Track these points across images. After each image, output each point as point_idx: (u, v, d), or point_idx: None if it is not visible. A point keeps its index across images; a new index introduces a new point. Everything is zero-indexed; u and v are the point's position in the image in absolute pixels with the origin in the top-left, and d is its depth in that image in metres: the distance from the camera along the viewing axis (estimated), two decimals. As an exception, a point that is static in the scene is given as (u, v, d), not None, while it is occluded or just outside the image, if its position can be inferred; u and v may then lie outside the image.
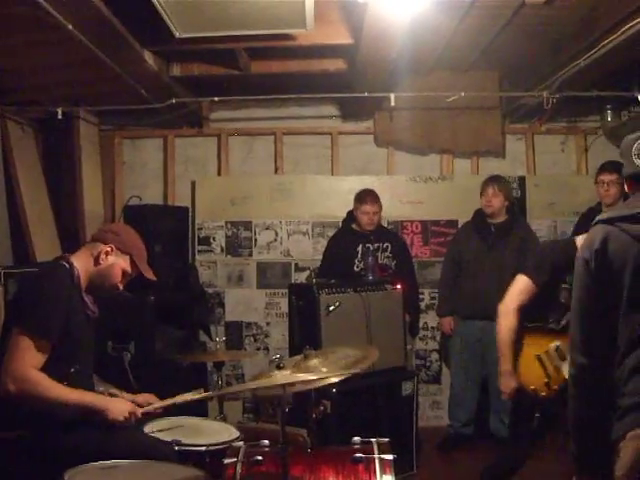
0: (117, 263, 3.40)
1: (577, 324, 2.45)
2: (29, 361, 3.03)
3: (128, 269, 3.43)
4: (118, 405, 3.23)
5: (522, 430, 4.20)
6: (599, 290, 2.37)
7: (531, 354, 3.99)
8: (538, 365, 3.98)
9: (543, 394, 3.93)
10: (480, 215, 6.01)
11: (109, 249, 3.37)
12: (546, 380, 3.94)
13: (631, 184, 2.59)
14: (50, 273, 3.33)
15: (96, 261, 3.36)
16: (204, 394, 3.67)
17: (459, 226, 6.49)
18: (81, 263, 3.36)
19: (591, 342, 2.40)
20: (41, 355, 3.07)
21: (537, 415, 3.98)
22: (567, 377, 3.48)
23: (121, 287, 3.48)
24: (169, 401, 3.47)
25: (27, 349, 3.03)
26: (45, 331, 3.08)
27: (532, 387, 3.95)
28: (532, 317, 4.04)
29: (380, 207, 6.02)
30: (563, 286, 4.03)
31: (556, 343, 4.02)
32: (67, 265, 3.31)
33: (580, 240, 4.09)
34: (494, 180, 5.96)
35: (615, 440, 2.27)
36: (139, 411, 3.28)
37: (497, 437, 5.74)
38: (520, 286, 4.02)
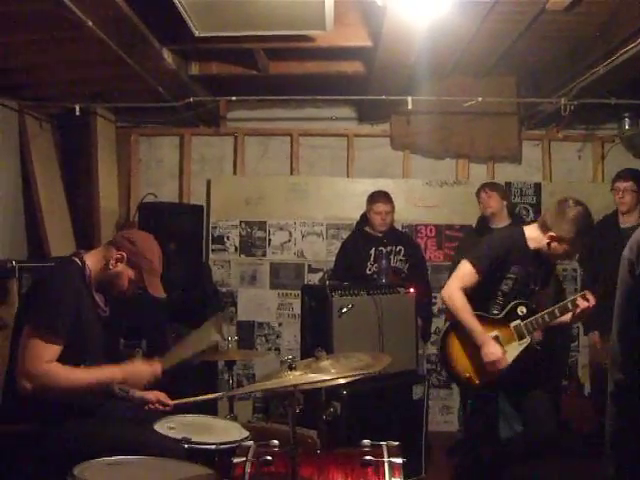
0: (125, 272, 3.38)
1: (617, 335, 2.24)
2: (41, 357, 3.04)
3: (135, 280, 3.42)
4: (137, 372, 3.30)
5: (483, 440, 4.22)
6: None
7: (471, 341, 4.05)
8: (470, 352, 4.07)
9: (477, 382, 3.97)
10: (483, 221, 6.03)
11: (119, 256, 3.36)
12: (480, 367, 4.00)
13: None
14: (61, 271, 3.34)
15: (106, 265, 3.36)
16: (225, 393, 3.70)
17: (473, 231, 6.49)
18: (93, 263, 3.36)
19: (628, 356, 2.19)
20: (53, 352, 3.08)
21: (470, 401, 4.00)
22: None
23: (127, 295, 3.48)
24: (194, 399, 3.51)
25: (38, 347, 3.04)
26: (54, 330, 3.08)
27: (467, 374, 3.97)
28: (474, 307, 4.11)
29: (393, 207, 6.00)
30: (508, 275, 4.07)
31: (494, 333, 4.07)
32: (80, 263, 3.32)
33: (529, 231, 4.14)
34: (485, 185, 6.09)
35: None
36: (158, 369, 3.35)
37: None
38: (463, 271, 4.11)
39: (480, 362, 4.02)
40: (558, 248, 4.05)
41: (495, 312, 4.14)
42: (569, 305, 4.05)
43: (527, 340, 4.09)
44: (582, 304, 4.00)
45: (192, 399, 3.70)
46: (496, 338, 4.06)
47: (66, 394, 3.09)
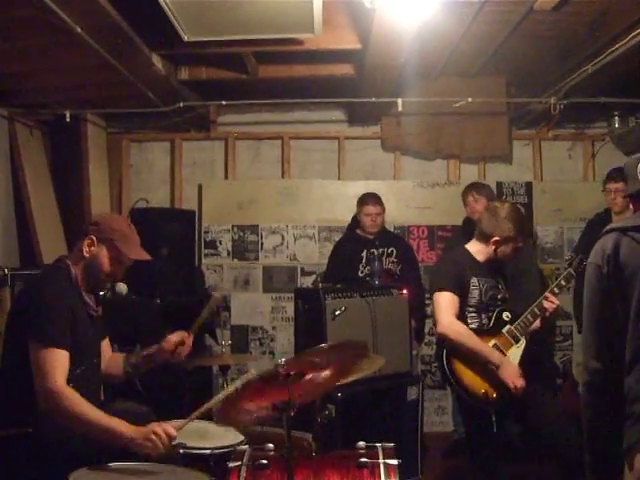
0: (100, 252, 3.33)
1: (589, 329, 2.45)
2: (56, 375, 3.00)
3: (112, 255, 3.35)
4: (149, 438, 2.96)
5: (481, 441, 4.21)
6: (611, 295, 2.36)
7: (473, 359, 4.03)
8: (479, 368, 4.03)
9: (494, 395, 3.96)
10: (470, 222, 5.99)
11: (89, 240, 3.33)
12: (494, 382, 3.99)
13: (635, 202, 2.60)
14: (49, 279, 3.32)
15: (82, 255, 3.33)
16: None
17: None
18: (74, 262, 3.34)
19: (604, 346, 2.39)
20: (64, 365, 3.06)
21: (494, 419, 3.99)
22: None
23: (118, 276, 3.46)
24: (204, 407, 3.39)
25: (50, 363, 3.01)
26: (60, 341, 3.07)
27: (482, 391, 3.98)
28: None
29: (383, 209, 6.02)
30: (471, 289, 4.14)
31: (493, 342, 4.09)
32: (64, 266, 3.32)
33: (472, 246, 4.19)
34: (472, 187, 6.03)
35: (627, 449, 2.24)
36: (171, 430, 2.99)
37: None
38: (444, 302, 4.10)
39: (489, 375, 4.01)
40: (505, 249, 4.17)
41: (476, 325, 4.15)
42: (536, 311, 4.13)
43: (523, 341, 4.12)
44: (548, 306, 4.11)
45: (193, 417, 3.52)
46: (496, 346, 4.07)
47: (73, 423, 3.01)
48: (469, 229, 5.96)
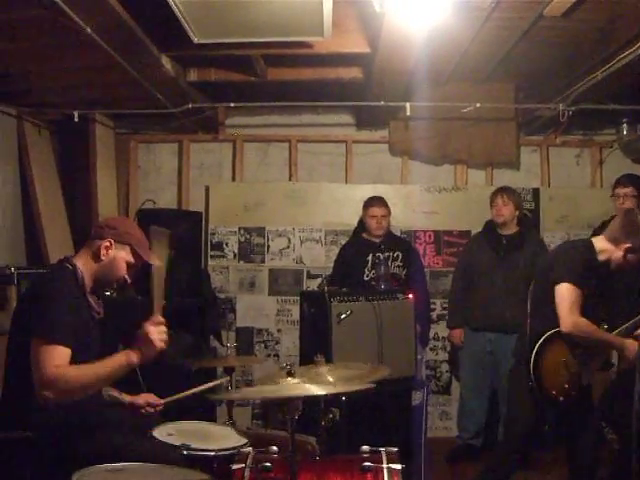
0: (119, 255, 3.37)
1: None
2: (50, 361, 2.99)
3: (131, 259, 3.41)
4: (146, 338, 3.17)
5: (513, 444, 4.21)
6: None
7: (556, 359, 4.00)
8: (561, 370, 4.00)
9: (562, 399, 3.94)
10: (491, 226, 6.00)
11: (108, 243, 3.35)
12: (566, 385, 3.96)
13: None
14: (54, 278, 3.32)
15: (97, 258, 3.35)
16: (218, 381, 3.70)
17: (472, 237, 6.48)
18: (83, 263, 3.35)
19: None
20: (61, 355, 3.03)
21: (547, 427, 3.98)
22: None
23: (129, 279, 3.48)
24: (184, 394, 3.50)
25: (46, 353, 3.00)
26: (58, 333, 3.06)
27: (553, 392, 3.96)
28: (553, 323, 4.04)
29: (388, 211, 6.02)
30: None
31: (578, 349, 4.05)
32: (70, 267, 3.32)
33: (598, 242, 4.13)
34: (503, 190, 5.98)
35: None
36: (158, 318, 3.26)
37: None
38: (569, 296, 3.97)
39: (565, 380, 4.00)
40: (634, 258, 4.05)
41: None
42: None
43: None
44: None
45: (183, 394, 3.71)
46: (579, 354, 4.05)
47: (87, 391, 3.05)
48: (490, 232, 5.97)
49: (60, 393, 2.97)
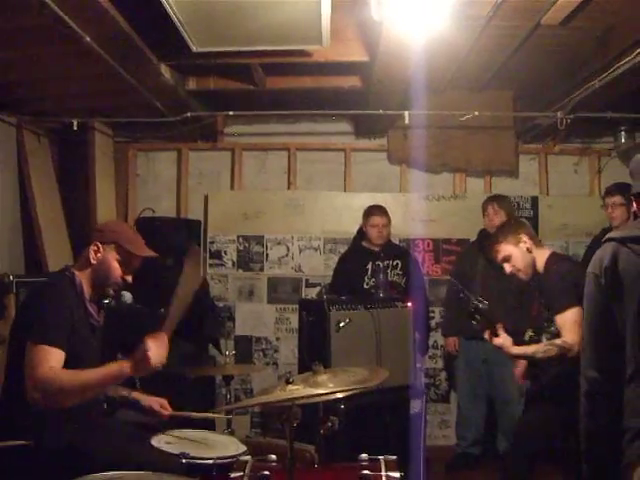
0: (108, 256, 3.37)
1: (588, 340, 2.45)
2: (43, 363, 2.99)
3: (120, 256, 3.39)
4: (144, 355, 3.04)
5: (524, 451, 4.20)
6: (609, 306, 2.36)
7: None
8: None
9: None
10: (485, 235, 5.98)
11: (95, 247, 3.36)
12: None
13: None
14: (53, 286, 3.33)
15: (89, 263, 3.36)
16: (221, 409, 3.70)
17: (470, 245, 6.49)
18: (80, 271, 3.36)
19: (602, 357, 2.40)
20: (55, 357, 3.03)
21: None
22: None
23: (129, 279, 3.47)
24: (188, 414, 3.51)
25: (39, 355, 3.00)
26: (52, 336, 3.06)
27: None
28: None
29: (389, 220, 6.01)
30: None
31: None
32: (69, 275, 3.33)
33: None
34: (494, 199, 6.02)
35: (625, 465, 2.23)
36: (164, 338, 3.16)
37: (504, 457, 5.71)
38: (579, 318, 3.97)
39: None
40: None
41: None
42: None
43: None
44: None
45: (188, 414, 3.72)
46: None
47: (76, 397, 3.04)
48: (483, 241, 5.97)
49: (50, 395, 2.96)
